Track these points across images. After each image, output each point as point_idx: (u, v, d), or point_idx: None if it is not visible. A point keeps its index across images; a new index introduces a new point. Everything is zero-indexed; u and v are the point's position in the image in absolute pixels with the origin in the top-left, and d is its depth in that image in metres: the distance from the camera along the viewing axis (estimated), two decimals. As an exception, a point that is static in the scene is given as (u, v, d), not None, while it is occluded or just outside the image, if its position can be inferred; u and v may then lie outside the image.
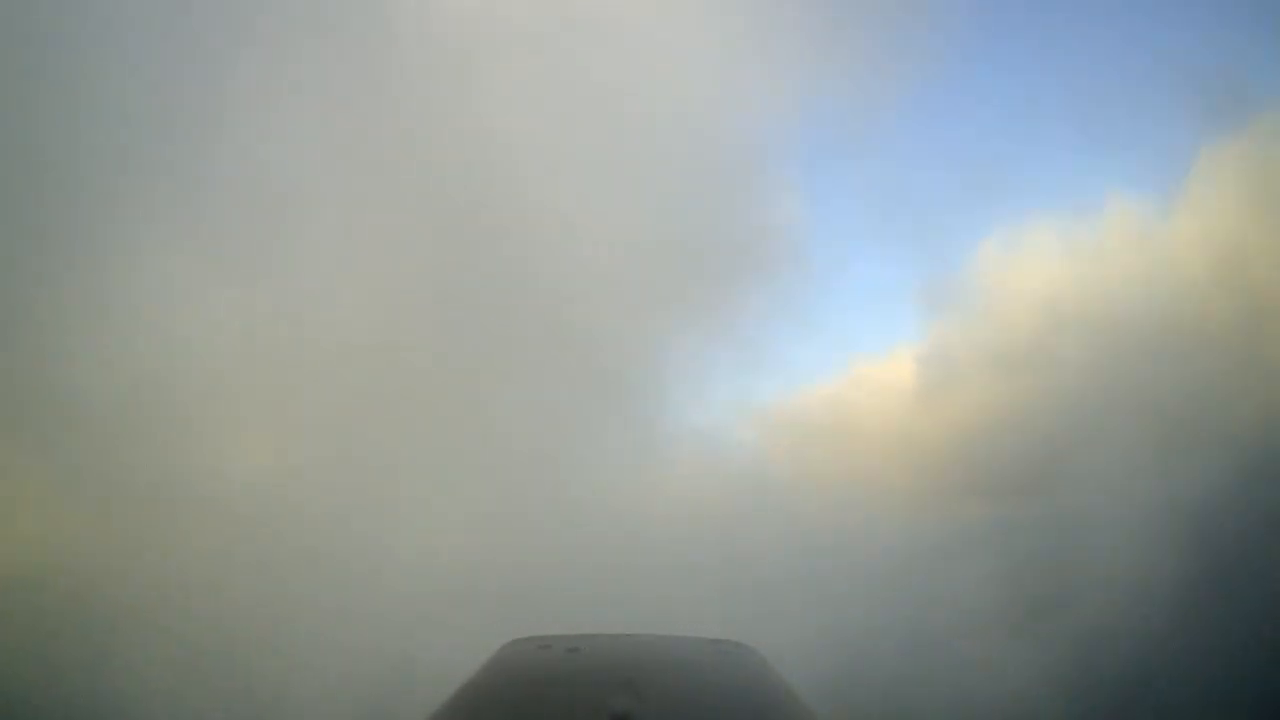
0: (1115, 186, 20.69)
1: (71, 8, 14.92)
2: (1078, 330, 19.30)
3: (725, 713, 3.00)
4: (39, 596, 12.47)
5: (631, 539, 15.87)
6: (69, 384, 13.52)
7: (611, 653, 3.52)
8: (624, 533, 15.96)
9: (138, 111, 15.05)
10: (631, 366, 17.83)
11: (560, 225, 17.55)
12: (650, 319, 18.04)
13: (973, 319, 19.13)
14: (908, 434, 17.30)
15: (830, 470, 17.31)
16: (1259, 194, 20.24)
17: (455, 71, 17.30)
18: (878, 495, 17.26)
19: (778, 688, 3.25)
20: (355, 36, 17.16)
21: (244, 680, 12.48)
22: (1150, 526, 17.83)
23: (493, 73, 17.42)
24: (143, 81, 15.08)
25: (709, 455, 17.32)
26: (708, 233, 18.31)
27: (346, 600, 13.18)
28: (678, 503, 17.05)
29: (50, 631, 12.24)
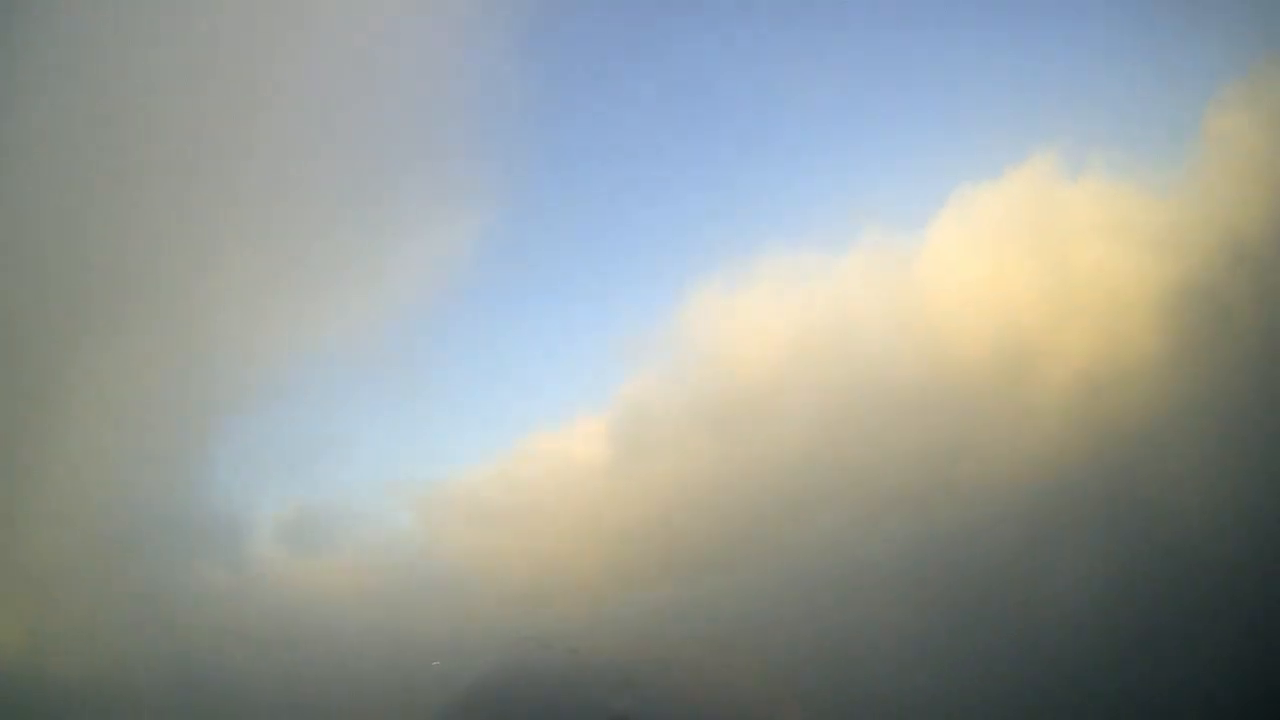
0: (861, 224, 19.27)
1: None
2: (806, 378, 17.89)
3: (725, 712, 4.06)
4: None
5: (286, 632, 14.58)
6: None
7: (613, 653, 2.39)
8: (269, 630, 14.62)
9: None
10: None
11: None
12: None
13: (671, 377, 17.49)
14: (596, 512, 15.57)
15: (508, 551, 15.56)
16: (1012, 233, 19.11)
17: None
18: (560, 576, 15.66)
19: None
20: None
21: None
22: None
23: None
24: None
25: (368, 542, 15.49)
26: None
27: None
28: (335, 598, 15.25)
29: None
